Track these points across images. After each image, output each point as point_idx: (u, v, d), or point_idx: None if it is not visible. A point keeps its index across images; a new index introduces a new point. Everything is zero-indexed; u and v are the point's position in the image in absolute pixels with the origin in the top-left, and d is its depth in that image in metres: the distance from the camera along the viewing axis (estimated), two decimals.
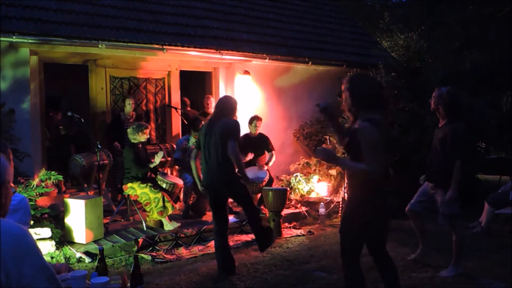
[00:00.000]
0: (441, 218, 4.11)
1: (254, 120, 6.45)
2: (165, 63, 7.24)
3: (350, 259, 2.86)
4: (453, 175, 3.91)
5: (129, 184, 5.49)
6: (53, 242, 4.67)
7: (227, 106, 4.22)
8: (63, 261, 4.53)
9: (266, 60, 7.61)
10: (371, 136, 2.63)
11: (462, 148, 3.94)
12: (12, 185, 1.61)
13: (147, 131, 5.59)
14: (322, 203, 6.46)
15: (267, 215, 5.74)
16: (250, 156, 6.29)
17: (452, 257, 4.17)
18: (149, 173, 5.71)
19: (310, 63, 8.10)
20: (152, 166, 5.53)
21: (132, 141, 5.55)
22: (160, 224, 5.45)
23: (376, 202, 2.74)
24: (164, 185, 5.61)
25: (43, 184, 5.06)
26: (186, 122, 6.90)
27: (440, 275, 4.09)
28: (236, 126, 4.15)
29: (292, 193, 6.95)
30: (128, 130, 5.64)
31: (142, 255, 4.79)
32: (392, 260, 3.00)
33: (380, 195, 2.74)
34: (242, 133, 6.56)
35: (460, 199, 4.02)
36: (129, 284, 2.35)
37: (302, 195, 6.99)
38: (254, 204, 4.54)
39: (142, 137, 5.55)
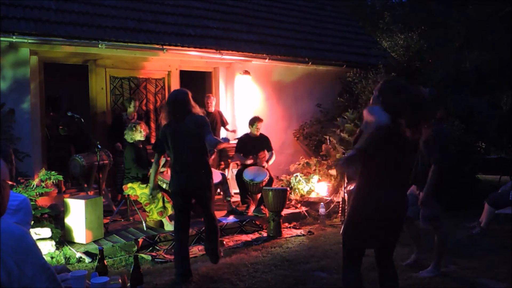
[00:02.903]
0: (422, 220, 4.09)
1: (255, 122, 6.44)
2: (165, 63, 7.25)
3: (350, 263, 2.80)
4: (428, 178, 3.92)
5: (129, 184, 5.49)
6: (53, 242, 4.67)
7: (186, 100, 3.98)
8: (63, 261, 4.53)
9: (266, 60, 7.62)
10: None
11: (438, 152, 3.91)
12: (9, 182, 1.60)
13: (140, 127, 5.51)
14: (322, 203, 6.45)
15: (267, 215, 5.74)
16: (250, 161, 6.36)
17: (451, 256, 4.16)
18: (149, 173, 5.71)
19: (310, 63, 8.11)
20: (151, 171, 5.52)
21: (130, 141, 5.54)
22: (160, 224, 5.45)
23: (379, 202, 2.67)
24: (164, 185, 5.61)
25: (43, 184, 5.06)
26: None
27: (419, 275, 4.07)
28: (207, 120, 4.04)
29: (292, 193, 6.95)
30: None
31: (142, 255, 4.79)
32: (396, 273, 2.93)
33: (383, 195, 2.67)
34: (241, 133, 6.60)
35: (439, 202, 4.05)
36: (129, 284, 2.35)
37: (302, 195, 6.99)
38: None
39: (138, 135, 5.51)
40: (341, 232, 5.61)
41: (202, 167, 3.99)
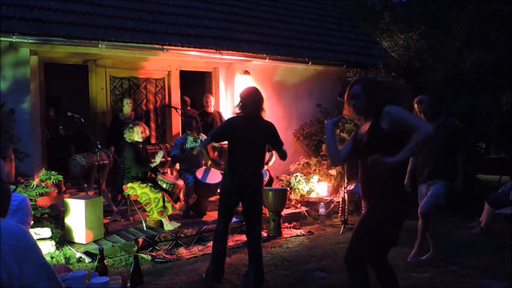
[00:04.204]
0: (426, 204, 4.33)
1: None
2: (165, 63, 7.24)
3: (361, 267, 2.71)
4: (458, 166, 4.38)
5: (129, 184, 5.49)
6: (53, 242, 4.67)
7: (261, 102, 3.92)
8: (63, 261, 4.53)
9: (266, 60, 7.61)
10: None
11: (463, 143, 4.50)
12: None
13: (138, 128, 5.50)
14: (322, 203, 6.45)
15: (267, 215, 5.74)
16: None
17: (455, 256, 4.24)
18: (149, 173, 5.72)
19: (310, 63, 8.10)
20: (152, 166, 5.53)
21: (128, 141, 5.54)
22: (160, 224, 5.45)
23: (404, 202, 2.69)
24: (164, 185, 5.61)
25: (43, 184, 5.06)
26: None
27: (409, 260, 4.38)
28: (276, 130, 4.02)
29: (292, 193, 6.95)
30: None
31: (142, 255, 4.79)
32: (393, 271, 2.90)
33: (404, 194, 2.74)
34: None
35: (447, 198, 4.41)
36: (129, 284, 2.35)
37: (302, 195, 6.99)
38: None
39: (136, 136, 5.50)
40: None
41: (259, 173, 3.95)
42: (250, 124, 3.86)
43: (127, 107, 6.54)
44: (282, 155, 4.05)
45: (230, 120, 4.03)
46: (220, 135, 4.07)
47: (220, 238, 4.02)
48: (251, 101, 3.86)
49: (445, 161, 4.34)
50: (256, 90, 3.99)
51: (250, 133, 3.84)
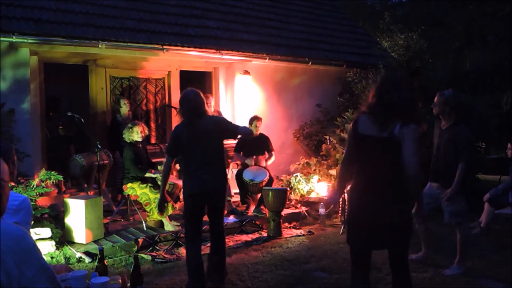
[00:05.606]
0: (448, 216, 4.17)
1: (254, 120, 6.44)
2: (165, 63, 7.24)
3: (354, 269, 2.83)
4: (456, 176, 4.00)
5: (129, 184, 5.49)
6: (53, 242, 4.67)
7: (201, 100, 3.70)
8: (63, 261, 4.53)
9: (266, 60, 7.61)
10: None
11: (468, 150, 4.03)
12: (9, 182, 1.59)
13: (137, 128, 5.48)
14: (322, 203, 6.45)
15: (267, 215, 5.74)
16: (252, 162, 6.31)
17: (452, 256, 4.20)
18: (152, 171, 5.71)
19: (310, 63, 8.11)
20: (148, 175, 5.53)
21: (128, 141, 5.53)
22: (160, 224, 5.45)
23: (357, 203, 2.73)
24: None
25: (43, 184, 5.06)
26: None
27: (444, 273, 4.11)
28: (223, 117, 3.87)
29: (292, 193, 6.94)
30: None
31: (142, 255, 4.79)
32: (409, 278, 2.86)
33: (361, 197, 2.71)
34: None
35: (465, 197, 4.14)
36: (129, 284, 2.35)
37: (302, 195, 6.99)
38: None
39: (136, 135, 5.50)
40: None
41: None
42: (193, 126, 3.66)
43: (125, 107, 6.55)
44: (244, 133, 3.95)
45: (174, 130, 3.86)
46: (174, 148, 3.80)
47: (193, 250, 3.70)
48: (188, 106, 3.68)
49: (447, 166, 4.09)
50: (192, 94, 3.72)
51: (196, 134, 3.64)
